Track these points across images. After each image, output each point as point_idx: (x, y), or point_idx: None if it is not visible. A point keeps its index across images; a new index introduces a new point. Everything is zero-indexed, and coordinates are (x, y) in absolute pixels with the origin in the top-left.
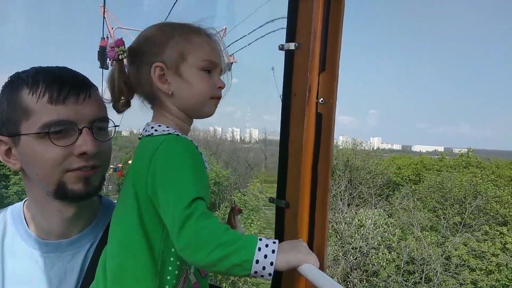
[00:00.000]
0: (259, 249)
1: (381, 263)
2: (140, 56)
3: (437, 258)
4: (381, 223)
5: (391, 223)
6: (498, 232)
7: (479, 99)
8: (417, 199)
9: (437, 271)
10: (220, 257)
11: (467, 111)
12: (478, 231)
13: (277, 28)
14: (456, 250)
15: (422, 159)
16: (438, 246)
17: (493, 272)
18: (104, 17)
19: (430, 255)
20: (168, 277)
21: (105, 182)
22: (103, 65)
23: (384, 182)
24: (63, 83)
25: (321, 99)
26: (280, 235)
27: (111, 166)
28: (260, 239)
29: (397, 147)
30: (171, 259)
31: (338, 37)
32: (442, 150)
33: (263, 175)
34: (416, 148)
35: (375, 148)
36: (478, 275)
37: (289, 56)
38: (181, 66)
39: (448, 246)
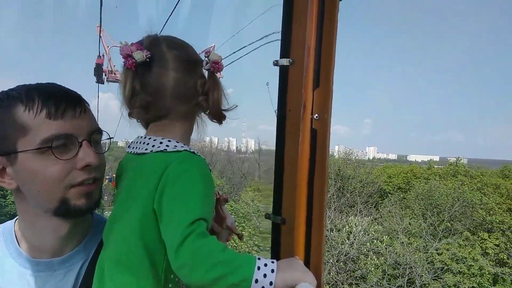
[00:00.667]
0: (258, 268)
1: (370, 268)
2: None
3: (422, 262)
4: (370, 230)
5: (378, 230)
6: (479, 238)
7: (474, 109)
8: (405, 206)
9: (421, 275)
10: (217, 277)
11: (462, 121)
12: (460, 237)
13: (271, 40)
14: (439, 255)
15: (412, 168)
16: (423, 252)
17: (475, 276)
18: (100, 36)
19: (415, 260)
20: None
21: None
22: (99, 80)
23: (375, 191)
24: (58, 98)
25: (316, 115)
26: (276, 251)
27: (106, 177)
28: (259, 258)
29: (392, 156)
30: (172, 276)
31: (332, 54)
32: (438, 160)
33: (256, 183)
34: (412, 157)
35: (370, 158)
36: (461, 278)
37: (284, 72)
38: None
39: (430, 251)
